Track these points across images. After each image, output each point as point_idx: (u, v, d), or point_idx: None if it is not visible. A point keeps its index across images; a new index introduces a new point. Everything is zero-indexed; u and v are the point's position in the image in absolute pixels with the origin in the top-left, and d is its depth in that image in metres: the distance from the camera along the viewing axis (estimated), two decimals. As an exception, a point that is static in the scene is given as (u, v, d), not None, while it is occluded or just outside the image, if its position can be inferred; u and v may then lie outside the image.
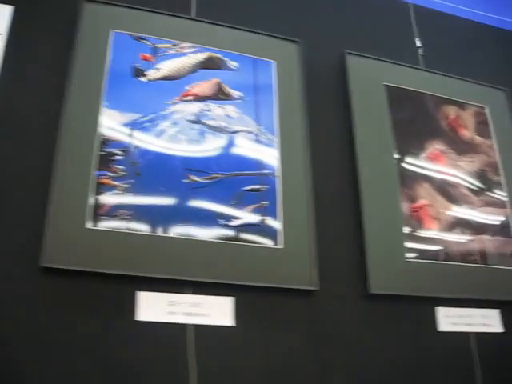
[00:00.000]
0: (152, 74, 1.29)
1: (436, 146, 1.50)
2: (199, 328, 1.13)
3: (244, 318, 1.17)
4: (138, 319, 1.10)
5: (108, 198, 1.14)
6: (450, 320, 1.33)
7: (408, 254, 1.34)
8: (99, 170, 1.16)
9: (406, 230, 1.36)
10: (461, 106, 1.60)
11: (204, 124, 1.29)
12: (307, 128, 1.38)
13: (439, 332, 1.32)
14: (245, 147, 1.30)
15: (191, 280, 1.16)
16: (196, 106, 1.30)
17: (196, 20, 1.40)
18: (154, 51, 1.32)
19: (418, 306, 1.32)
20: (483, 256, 1.42)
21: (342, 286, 1.29)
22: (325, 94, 1.48)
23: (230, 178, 1.25)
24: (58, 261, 1.07)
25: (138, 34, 1.32)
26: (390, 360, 1.26)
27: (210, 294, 1.16)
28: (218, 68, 1.36)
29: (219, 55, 1.37)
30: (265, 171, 1.29)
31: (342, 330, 1.25)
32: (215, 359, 1.12)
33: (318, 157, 1.38)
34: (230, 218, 1.22)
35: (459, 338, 1.33)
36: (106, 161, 1.18)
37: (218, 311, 1.16)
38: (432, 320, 1.33)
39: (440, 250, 1.38)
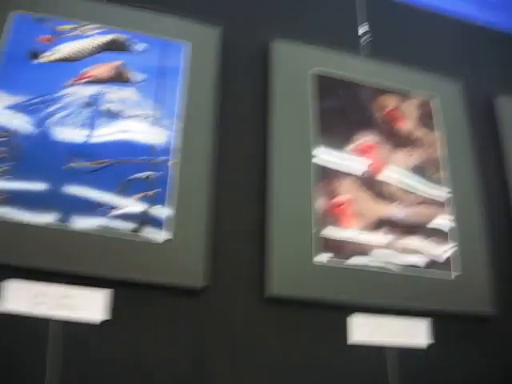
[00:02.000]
0: (48, 55, 1.23)
1: (366, 139, 1.36)
2: (67, 322, 1.04)
3: (119, 314, 1.07)
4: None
5: (-20, 181, 1.09)
6: (365, 330, 1.19)
7: (318, 256, 1.20)
8: (-22, 151, 1.11)
9: (318, 229, 1.23)
10: (403, 96, 1.45)
11: (97, 108, 1.21)
12: (218, 115, 1.28)
13: (350, 343, 1.18)
14: (139, 132, 1.21)
15: (63, 271, 1.07)
16: (91, 89, 1.22)
17: (105, 1, 1.34)
18: (55, 33, 1.26)
19: (326, 314, 1.19)
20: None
21: (238, 285, 1.17)
22: (245, 82, 1.37)
23: (118, 165, 1.16)
24: None
25: (40, 16, 1.26)
26: (286, 372, 1.13)
27: (83, 287, 1.08)
28: (123, 50, 1.28)
29: (125, 36, 1.29)
30: (159, 158, 1.19)
31: (230, 336, 1.13)
32: (82, 356, 1.04)
33: (227, 146, 1.27)
34: (111, 207, 1.13)
35: (374, 350, 1.19)
36: (-14, 143, 1.12)
37: (89, 305, 1.07)
38: (343, 330, 1.19)
39: (358, 252, 1.24)
